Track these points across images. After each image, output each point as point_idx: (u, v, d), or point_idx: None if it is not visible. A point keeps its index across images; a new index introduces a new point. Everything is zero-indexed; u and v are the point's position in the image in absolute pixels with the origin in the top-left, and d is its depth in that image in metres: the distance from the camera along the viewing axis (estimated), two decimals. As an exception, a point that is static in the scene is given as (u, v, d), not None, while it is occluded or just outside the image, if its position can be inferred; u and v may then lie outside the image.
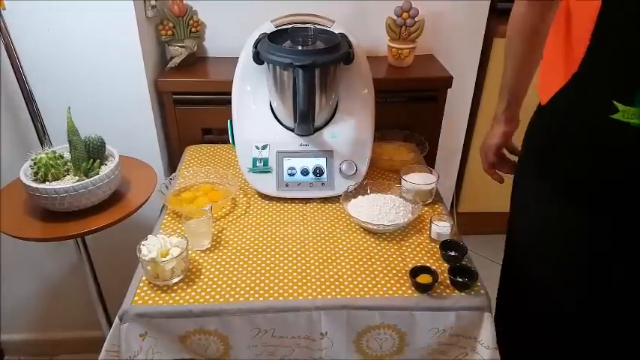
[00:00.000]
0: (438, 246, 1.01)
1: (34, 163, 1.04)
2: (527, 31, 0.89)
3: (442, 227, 1.03)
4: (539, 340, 0.98)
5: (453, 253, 0.98)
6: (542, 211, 0.90)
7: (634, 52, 0.67)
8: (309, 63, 1.02)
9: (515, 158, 1.05)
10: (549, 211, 0.88)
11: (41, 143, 1.25)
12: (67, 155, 1.10)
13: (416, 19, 1.44)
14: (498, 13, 1.70)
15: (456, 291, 0.91)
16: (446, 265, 0.97)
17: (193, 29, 1.45)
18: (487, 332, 0.88)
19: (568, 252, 0.87)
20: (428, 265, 0.95)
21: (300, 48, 1.09)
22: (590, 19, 0.69)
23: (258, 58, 1.09)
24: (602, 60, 0.71)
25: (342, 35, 1.13)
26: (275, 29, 1.15)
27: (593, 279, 0.86)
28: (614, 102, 0.67)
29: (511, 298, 1.06)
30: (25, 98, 1.21)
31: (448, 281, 0.92)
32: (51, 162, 1.04)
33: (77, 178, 1.06)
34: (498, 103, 1.04)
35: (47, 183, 1.04)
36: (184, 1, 1.42)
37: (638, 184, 0.76)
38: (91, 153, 1.09)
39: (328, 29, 1.15)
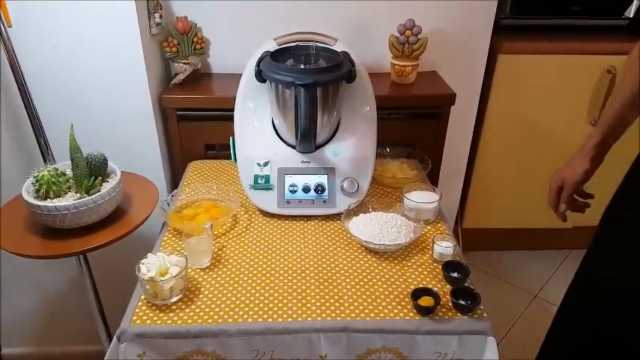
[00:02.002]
0: (440, 266, 1.00)
1: (36, 180, 1.04)
2: None
3: (445, 247, 1.02)
4: None
5: (455, 275, 0.97)
6: None
7: None
8: (311, 82, 1.02)
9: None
10: None
11: (44, 160, 1.25)
12: (69, 172, 1.10)
13: (419, 36, 1.44)
14: (502, 30, 1.70)
15: (459, 314, 0.89)
16: (448, 286, 0.96)
17: (197, 46, 1.46)
18: (490, 357, 0.87)
19: None
20: (430, 286, 0.94)
21: (302, 66, 1.09)
22: None
23: (260, 77, 1.10)
24: None
25: (345, 53, 1.13)
26: (278, 47, 1.15)
27: None
28: None
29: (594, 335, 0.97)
30: (28, 114, 1.22)
31: (450, 304, 0.91)
32: (53, 179, 1.04)
33: (78, 195, 1.06)
34: (590, 136, 0.94)
35: (48, 200, 1.04)
36: (189, 19, 1.44)
37: None
38: (93, 170, 1.09)
39: (330, 47, 1.16)
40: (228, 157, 1.26)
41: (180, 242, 1.08)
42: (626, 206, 0.93)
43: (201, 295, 0.94)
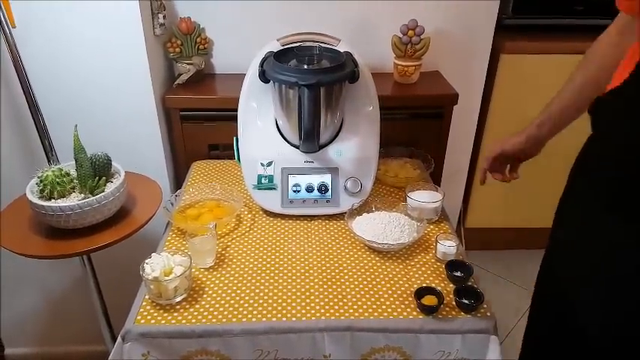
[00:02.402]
0: (443, 266, 1.00)
1: (40, 181, 1.05)
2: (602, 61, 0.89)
3: (448, 247, 1.02)
4: None
5: (458, 274, 0.97)
6: (611, 246, 0.81)
7: None
8: (314, 82, 1.02)
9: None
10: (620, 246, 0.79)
11: (48, 160, 1.26)
12: (74, 172, 1.10)
13: (421, 36, 1.44)
14: (504, 29, 1.70)
15: (462, 313, 0.89)
16: (451, 285, 0.96)
17: (201, 46, 1.47)
18: (493, 355, 0.87)
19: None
20: (433, 285, 0.94)
21: (305, 67, 1.09)
22: None
23: (264, 77, 1.10)
24: None
25: (348, 54, 1.14)
26: (281, 48, 1.16)
27: None
28: None
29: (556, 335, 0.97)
30: (32, 115, 1.23)
31: (454, 303, 0.91)
32: (57, 179, 1.04)
33: (83, 195, 1.07)
34: (536, 117, 1.02)
35: (53, 200, 1.04)
36: (192, 19, 1.44)
37: None
38: (97, 170, 1.09)
39: (334, 48, 1.16)
40: (232, 157, 1.26)
41: (184, 242, 1.08)
42: (569, 203, 0.94)
43: (205, 295, 0.94)
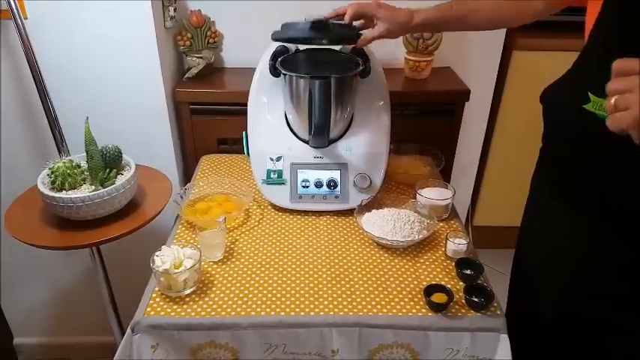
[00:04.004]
0: (453, 263, 0.99)
1: (52, 172, 1.05)
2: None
3: (458, 244, 1.01)
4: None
5: (468, 272, 0.97)
6: (544, 217, 0.92)
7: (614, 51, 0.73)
8: (326, 76, 1.01)
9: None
10: (550, 214, 0.90)
11: (59, 152, 1.26)
12: (84, 164, 1.11)
13: (433, 32, 1.43)
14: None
15: (472, 311, 0.89)
16: (461, 283, 0.95)
17: (211, 40, 1.46)
18: (503, 354, 0.86)
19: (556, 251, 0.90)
20: (443, 283, 0.94)
21: (316, 60, 1.09)
22: (591, 22, 0.78)
23: (274, 71, 1.10)
24: (590, 57, 0.80)
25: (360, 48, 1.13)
26: (292, 41, 1.15)
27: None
28: (589, 93, 0.71)
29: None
30: (44, 107, 1.23)
31: (464, 301, 0.90)
32: (68, 171, 1.05)
33: (93, 187, 1.07)
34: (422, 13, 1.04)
35: (64, 192, 1.05)
36: (202, 12, 1.44)
37: (603, 174, 0.77)
38: (108, 163, 1.10)
39: (345, 42, 1.15)
40: (240, 152, 1.26)
41: (193, 235, 1.08)
42: (531, 197, 1.01)
43: (214, 288, 0.94)
